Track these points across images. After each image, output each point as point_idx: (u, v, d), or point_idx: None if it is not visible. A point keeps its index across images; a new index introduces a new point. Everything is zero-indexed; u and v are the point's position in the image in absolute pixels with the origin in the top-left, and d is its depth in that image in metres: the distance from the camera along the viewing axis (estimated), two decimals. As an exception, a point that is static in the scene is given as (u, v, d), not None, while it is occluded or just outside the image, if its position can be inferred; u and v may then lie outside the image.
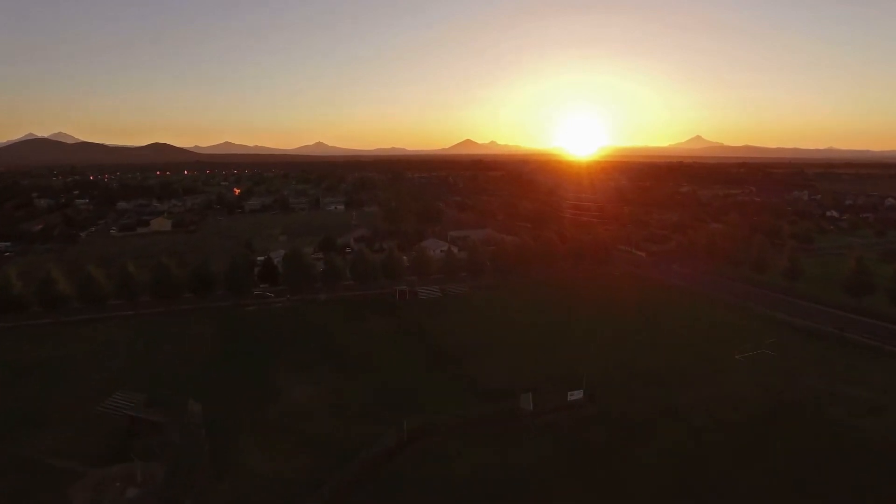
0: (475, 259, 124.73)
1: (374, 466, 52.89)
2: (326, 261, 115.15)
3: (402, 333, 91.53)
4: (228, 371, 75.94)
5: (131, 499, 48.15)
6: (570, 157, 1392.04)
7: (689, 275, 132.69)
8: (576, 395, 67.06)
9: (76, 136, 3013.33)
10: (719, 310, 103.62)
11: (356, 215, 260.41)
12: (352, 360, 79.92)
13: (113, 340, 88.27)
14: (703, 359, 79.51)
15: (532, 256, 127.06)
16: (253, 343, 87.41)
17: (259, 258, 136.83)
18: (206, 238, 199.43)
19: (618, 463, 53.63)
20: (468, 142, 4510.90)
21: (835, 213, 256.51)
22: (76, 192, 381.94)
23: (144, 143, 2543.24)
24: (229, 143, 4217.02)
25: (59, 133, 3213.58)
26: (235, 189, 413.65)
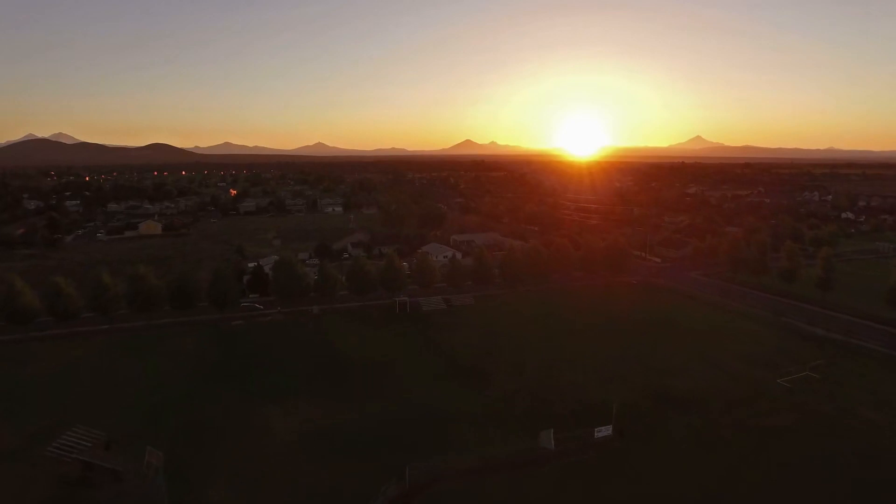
0: (482, 266, 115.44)
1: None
2: (321, 270, 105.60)
3: (407, 353, 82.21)
4: (206, 399, 66.68)
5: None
6: (571, 157, 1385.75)
7: (711, 284, 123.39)
8: (604, 431, 57.99)
9: (76, 137, 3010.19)
10: (751, 325, 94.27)
11: (354, 218, 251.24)
12: (349, 385, 70.64)
13: (79, 362, 78.89)
14: (742, 382, 70.38)
15: (543, 263, 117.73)
16: (237, 364, 78.09)
17: (250, 265, 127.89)
18: (197, 242, 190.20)
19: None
20: (468, 142, 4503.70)
21: (850, 215, 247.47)
22: (68, 193, 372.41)
23: (144, 144, 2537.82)
24: (229, 143, 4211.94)
25: (59, 133, 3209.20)
26: (231, 190, 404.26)
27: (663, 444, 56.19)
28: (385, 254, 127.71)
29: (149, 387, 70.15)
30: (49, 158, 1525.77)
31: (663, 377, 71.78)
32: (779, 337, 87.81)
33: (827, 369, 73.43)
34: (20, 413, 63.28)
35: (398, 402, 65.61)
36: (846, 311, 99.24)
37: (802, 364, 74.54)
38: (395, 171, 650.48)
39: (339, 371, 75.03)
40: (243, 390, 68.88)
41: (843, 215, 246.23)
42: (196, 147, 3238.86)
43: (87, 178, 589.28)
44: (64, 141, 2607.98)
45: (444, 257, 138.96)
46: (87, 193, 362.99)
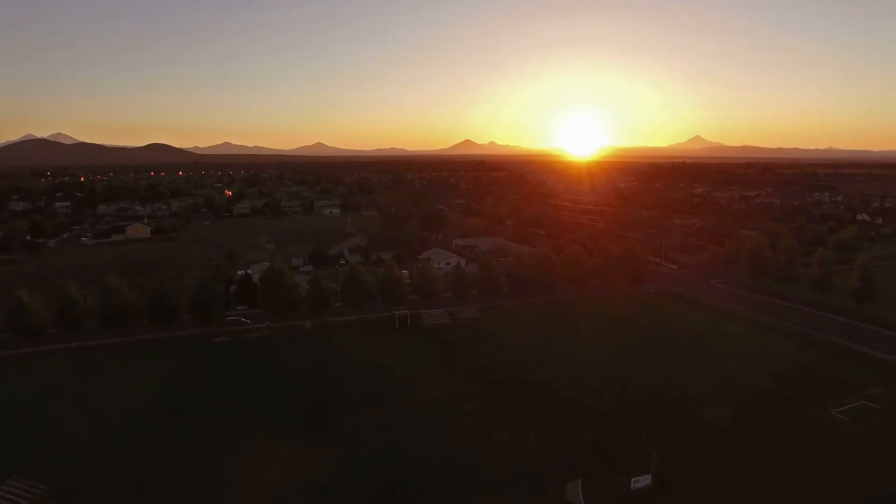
0: (488, 275, 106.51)
1: None
2: (313, 282, 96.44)
3: (410, 376, 73.21)
4: (175, 433, 57.67)
5: None
6: (571, 157, 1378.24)
7: (735, 294, 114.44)
8: (641, 481, 49.10)
9: (75, 137, 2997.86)
10: (789, 343, 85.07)
11: (352, 220, 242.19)
12: (343, 418, 61.60)
13: (34, 389, 69.84)
14: (791, 413, 61.58)
15: (554, 272, 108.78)
16: (216, 390, 69.02)
17: (239, 272, 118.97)
18: (187, 247, 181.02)
19: None
20: (468, 142, 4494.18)
21: (866, 217, 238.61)
22: (59, 194, 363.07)
23: (143, 144, 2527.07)
24: (228, 143, 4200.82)
25: (58, 133, 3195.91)
26: (227, 191, 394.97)
27: (714, 495, 47.33)
28: (384, 260, 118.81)
29: (110, 419, 61.02)
30: (48, 158, 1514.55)
31: (701, 407, 62.91)
32: (822, 358, 78.81)
33: (887, 398, 64.59)
34: (-43, 455, 54.24)
35: (401, 441, 56.60)
36: (889, 326, 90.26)
37: (857, 391, 65.73)
38: (395, 172, 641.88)
39: (330, 400, 65.87)
40: (221, 422, 59.84)
41: (859, 217, 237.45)
42: (195, 147, 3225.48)
43: (82, 179, 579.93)
44: (63, 141, 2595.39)
45: (446, 264, 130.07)
46: (79, 195, 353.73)
